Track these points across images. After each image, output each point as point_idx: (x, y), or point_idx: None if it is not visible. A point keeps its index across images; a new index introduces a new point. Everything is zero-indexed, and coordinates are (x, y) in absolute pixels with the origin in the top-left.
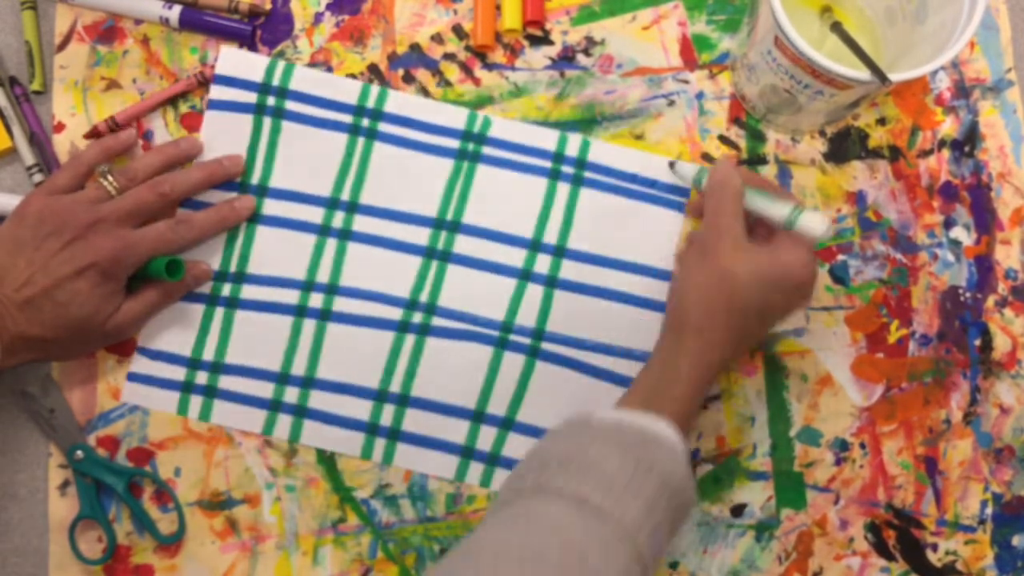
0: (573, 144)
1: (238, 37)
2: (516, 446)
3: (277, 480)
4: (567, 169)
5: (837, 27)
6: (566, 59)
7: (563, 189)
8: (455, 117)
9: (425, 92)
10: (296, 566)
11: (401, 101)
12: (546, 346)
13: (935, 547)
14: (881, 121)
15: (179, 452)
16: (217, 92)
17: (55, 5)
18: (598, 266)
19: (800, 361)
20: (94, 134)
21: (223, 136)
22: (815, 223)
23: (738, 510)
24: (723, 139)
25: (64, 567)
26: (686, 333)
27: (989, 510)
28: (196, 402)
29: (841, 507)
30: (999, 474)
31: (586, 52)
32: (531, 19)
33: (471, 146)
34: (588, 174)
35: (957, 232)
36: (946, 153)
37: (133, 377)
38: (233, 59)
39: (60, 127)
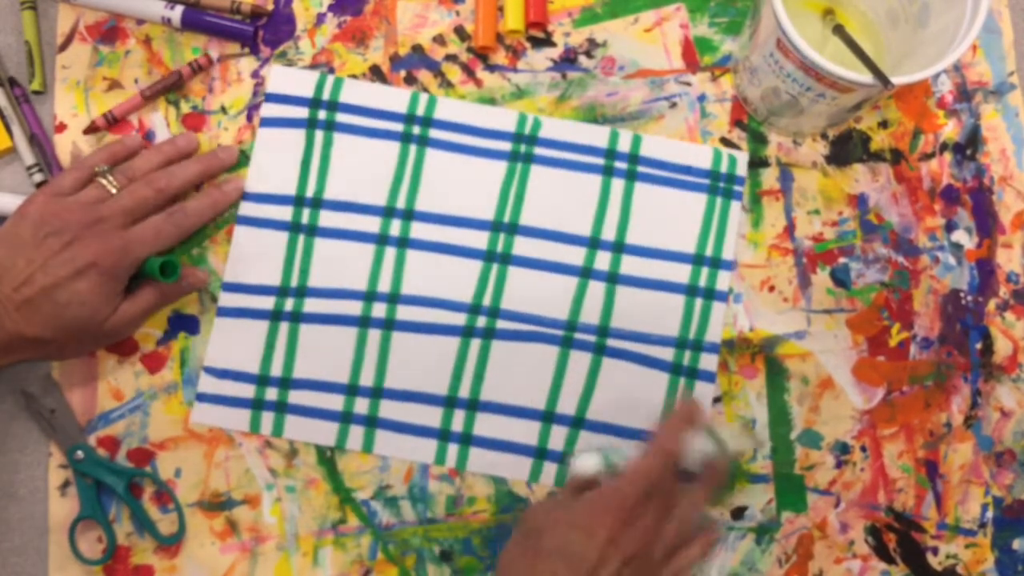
0: (624, 140)
1: (240, 38)
2: (589, 444)
3: (277, 481)
4: (620, 165)
5: (839, 30)
6: (568, 61)
7: (618, 185)
8: (505, 120)
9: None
10: (296, 567)
11: (451, 107)
12: (611, 342)
13: (936, 551)
14: (883, 124)
15: (179, 453)
16: (268, 110)
17: (56, 5)
18: (658, 259)
19: (801, 364)
20: (93, 130)
21: (277, 152)
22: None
23: (738, 513)
24: (725, 141)
25: (64, 567)
26: None
27: (990, 514)
28: (268, 419)
29: (842, 510)
30: (1000, 478)
31: (588, 54)
32: (533, 21)
33: (523, 147)
34: (642, 168)
35: (959, 235)
36: (948, 156)
37: (202, 397)
38: (283, 77)
39: (62, 127)
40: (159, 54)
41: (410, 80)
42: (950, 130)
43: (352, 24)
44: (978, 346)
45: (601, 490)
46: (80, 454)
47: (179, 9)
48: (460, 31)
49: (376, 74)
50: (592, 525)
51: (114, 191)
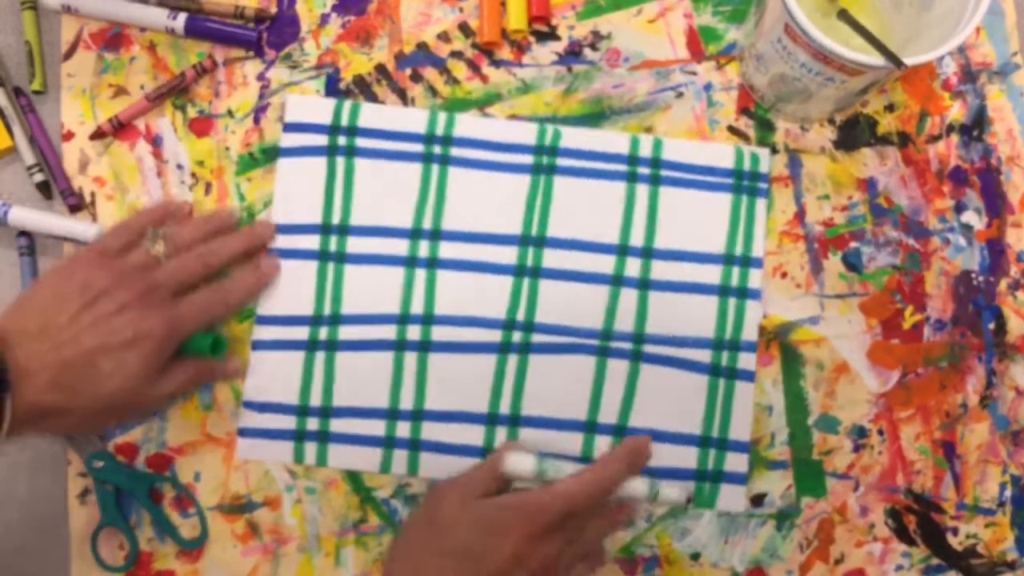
0: (646, 144)
1: (244, 43)
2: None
3: (297, 482)
4: (643, 170)
5: (844, 14)
6: (573, 54)
7: (642, 190)
8: (525, 133)
9: (433, 91)
10: (318, 567)
11: (470, 124)
12: (648, 348)
13: (955, 531)
14: (889, 108)
15: (198, 457)
16: (288, 139)
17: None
18: (688, 262)
19: (815, 349)
20: (99, 135)
21: (299, 181)
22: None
23: (758, 500)
24: (732, 130)
25: (87, 575)
26: None
27: (1008, 493)
28: (311, 449)
29: (861, 494)
30: (1017, 456)
31: (593, 46)
32: (537, 15)
33: (545, 159)
34: (665, 172)
35: (968, 216)
36: (955, 138)
37: (244, 432)
38: (300, 105)
39: (69, 135)
40: (164, 59)
41: (416, 78)
42: (956, 112)
43: (356, 24)
44: (991, 326)
45: (521, 497)
46: (99, 463)
47: (182, 17)
48: (464, 27)
49: (382, 73)
50: (503, 532)
51: (162, 259)
